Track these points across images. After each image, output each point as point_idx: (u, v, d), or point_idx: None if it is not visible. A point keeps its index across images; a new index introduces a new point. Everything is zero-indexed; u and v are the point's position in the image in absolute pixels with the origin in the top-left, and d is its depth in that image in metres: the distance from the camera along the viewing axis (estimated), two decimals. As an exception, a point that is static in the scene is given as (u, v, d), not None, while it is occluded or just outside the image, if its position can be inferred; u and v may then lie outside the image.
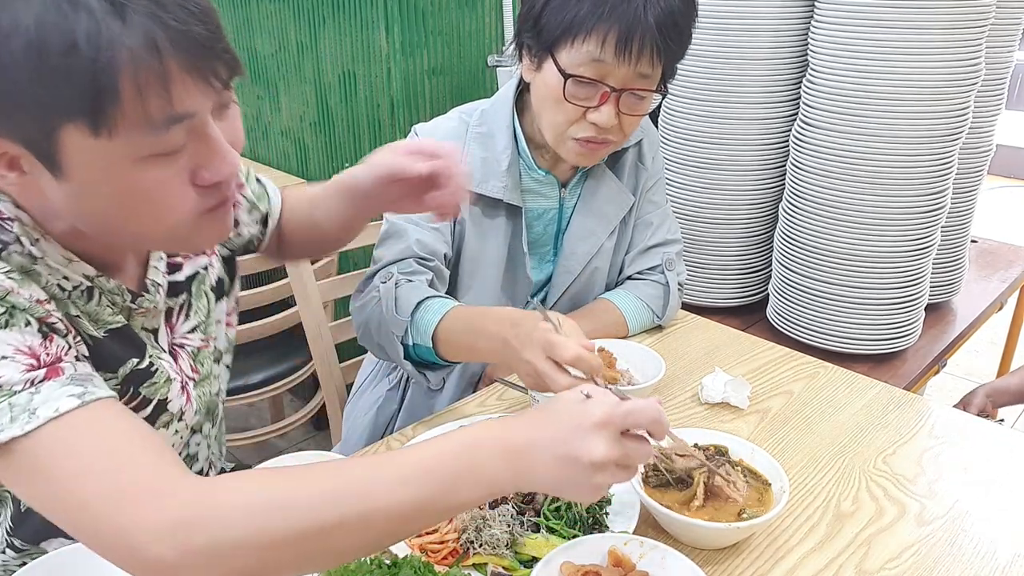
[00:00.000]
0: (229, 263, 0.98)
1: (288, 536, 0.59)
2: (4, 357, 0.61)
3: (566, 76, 1.09)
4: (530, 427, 0.66)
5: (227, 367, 0.98)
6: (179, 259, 0.87)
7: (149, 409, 0.79)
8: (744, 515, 0.86)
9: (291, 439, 2.52)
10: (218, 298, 0.94)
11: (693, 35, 1.12)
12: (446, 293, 1.22)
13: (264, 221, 1.05)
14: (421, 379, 1.14)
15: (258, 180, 1.05)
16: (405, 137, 2.06)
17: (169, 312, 0.85)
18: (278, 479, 0.64)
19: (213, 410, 0.95)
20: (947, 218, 1.62)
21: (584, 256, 1.32)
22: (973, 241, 2.09)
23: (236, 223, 0.99)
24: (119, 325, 0.75)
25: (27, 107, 0.58)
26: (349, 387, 1.52)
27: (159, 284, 0.82)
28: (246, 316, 1.70)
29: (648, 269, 1.37)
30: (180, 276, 0.87)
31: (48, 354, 0.63)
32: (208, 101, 0.64)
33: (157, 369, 0.79)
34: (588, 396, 0.67)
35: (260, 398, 2.04)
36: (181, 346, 0.86)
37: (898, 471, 1.00)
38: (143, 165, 0.62)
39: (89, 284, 0.73)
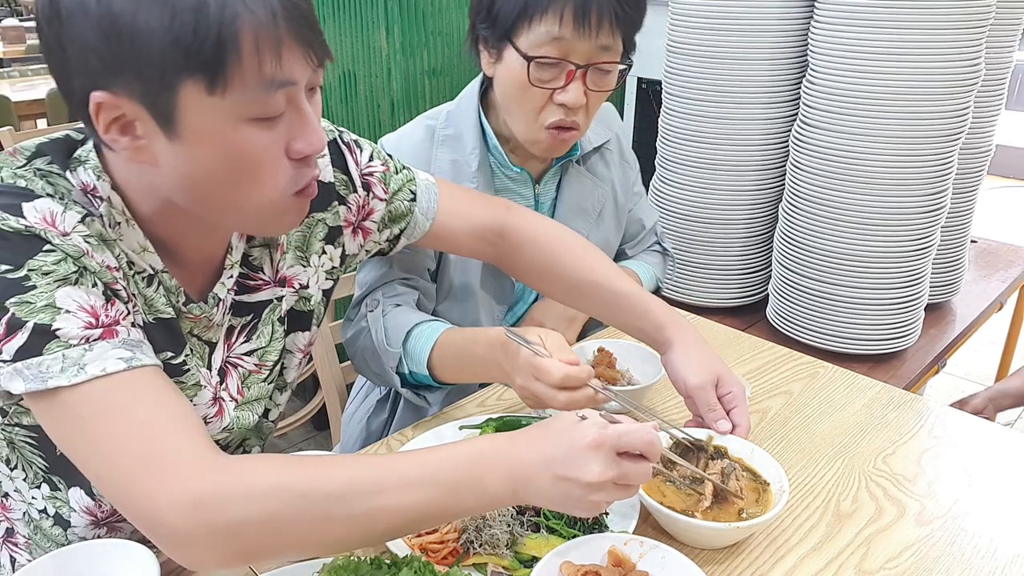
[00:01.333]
0: (328, 295, 0.98)
1: (300, 523, 0.64)
2: (68, 311, 0.65)
3: (528, 59, 1.07)
4: (530, 445, 0.70)
5: (287, 398, 0.99)
6: (255, 283, 0.88)
7: None
8: (744, 515, 0.86)
9: (291, 439, 2.52)
10: (301, 329, 0.94)
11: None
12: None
13: (396, 239, 1.04)
14: (422, 402, 1.13)
15: (413, 197, 1.02)
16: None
17: (231, 330, 0.86)
18: (298, 467, 0.67)
19: (259, 434, 0.96)
20: (947, 218, 1.62)
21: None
22: (973, 241, 2.09)
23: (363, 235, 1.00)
24: (168, 316, 0.77)
25: (154, 60, 0.61)
26: (349, 387, 1.52)
27: (220, 298, 0.83)
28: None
29: (648, 246, 1.49)
30: (251, 298, 0.88)
31: (108, 316, 0.67)
32: (305, 74, 0.68)
33: (189, 370, 0.80)
34: (583, 418, 0.70)
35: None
36: (234, 365, 0.87)
37: (898, 471, 1.00)
38: (248, 127, 0.66)
39: (152, 273, 0.76)
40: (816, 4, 1.52)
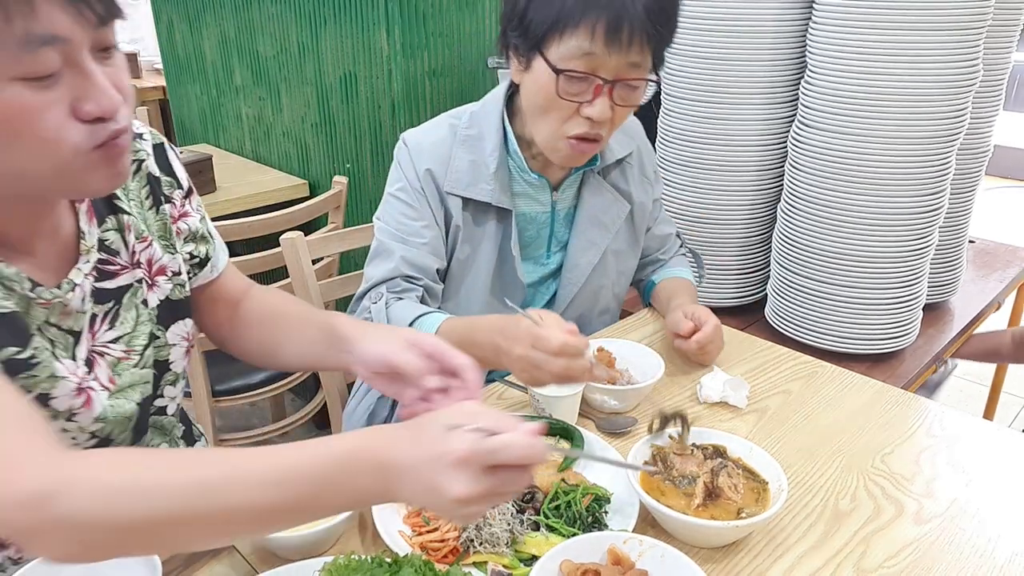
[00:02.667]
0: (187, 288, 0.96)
1: (144, 520, 0.60)
2: None
3: (557, 72, 1.07)
4: (405, 446, 0.65)
5: (184, 391, 0.98)
6: (114, 268, 0.86)
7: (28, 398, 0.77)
8: (743, 514, 0.87)
9: (292, 439, 2.53)
10: (181, 317, 0.93)
11: (679, 22, 1.12)
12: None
13: (202, 264, 0.99)
14: None
15: (210, 234, 1.01)
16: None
17: (94, 318, 0.84)
18: (147, 461, 0.64)
19: (140, 425, 0.90)
20: (945, 218, 1.63)
21: (587, 267, 1.32)
22: (971, 241, 2.10)
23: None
24: (7, 311, 0.73)
25: None
26: (350, 387, 1.52)
27: (77, 284, 0.80)
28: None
29: (675, 253, 1.53)
30: (111, 284, 0.85)
31: None
32: (83, 33, 0.64)
33: (39, 362, 0.76)
34: (453, 427, 0.64)
35: (261, 397, 2.05)
36: (101, 354, 0.84)
37: (896, 470, 1.01)
38: (14, 87, 0.62)
39: None
40: (815, 5, 1.52)
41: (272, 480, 0.63)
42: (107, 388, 0.84)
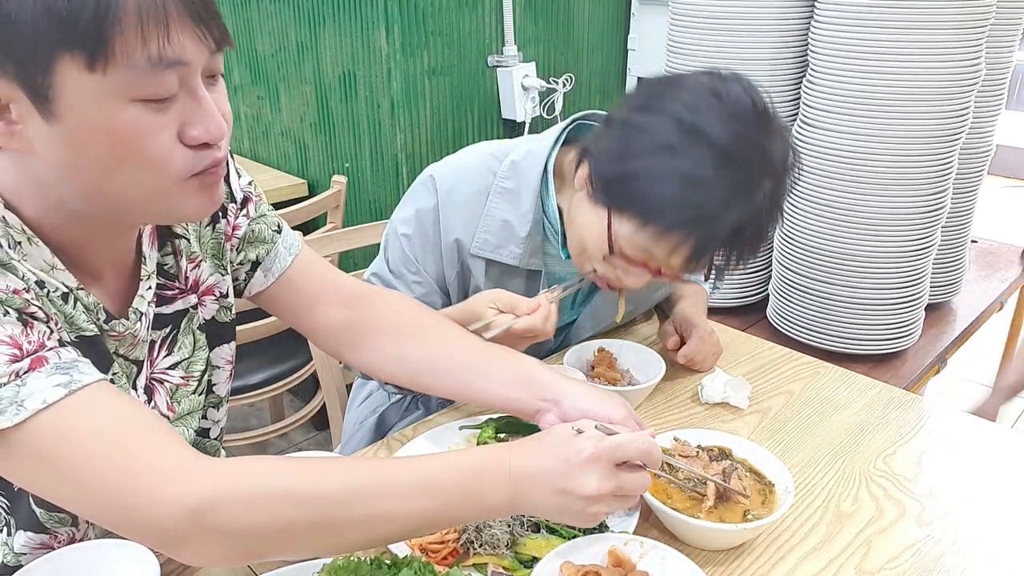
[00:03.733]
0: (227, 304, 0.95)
1: (299, 527, 0.64)
2: None
3: (612, 250, 1.00)
4: (530, 458, 0.71)
5: (225, 413, 0.97)
6: (172, 292, 0.85)
7: None
8: (749, 516, 0.86)
9: (291, 439, 2.52)
10: (225, 341, 0.92)
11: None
12: None
13: (252, 269, 0.96)
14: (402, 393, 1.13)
15: (278, 230, 0.97)
16: (405, 137, 2.08)
17: (152, 345, 0.83)
18: (298, 472, 0.66)
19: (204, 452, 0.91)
20: (947, 218, 1.62)
21: (605, 320, 1.30)
22: (973, 241, 2.09)
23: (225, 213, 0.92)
24: (91, 334, 0.72)
25: (27, 34, 0.57)
26: (349, 387, 1.52)
27: (142, 312, 0.79)
28: (247, 316, 1.69)
29: None
30: (168, 309, 0.84)
31: (30, 342, 0.62)
32: (201, 56, 0.64)
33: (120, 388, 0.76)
34: (579, 431, 0.71)
35: (260, 398, 2.04)
36: (160, 381, 0.84)
37: (898, 471, 1.00)
38: (134, 108, 0.62)
39: (66, 291, 0.71)
40: (816, 4, 1.52)
41: (418, 488, 0.68)
42: (167, 416, 0.84)
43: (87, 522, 0.83)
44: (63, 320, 0.70)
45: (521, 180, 1.13)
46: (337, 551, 0.70)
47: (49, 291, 0.69)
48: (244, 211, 0.92)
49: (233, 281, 0.95)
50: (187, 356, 0.87)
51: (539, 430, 0.88)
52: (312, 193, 2.40)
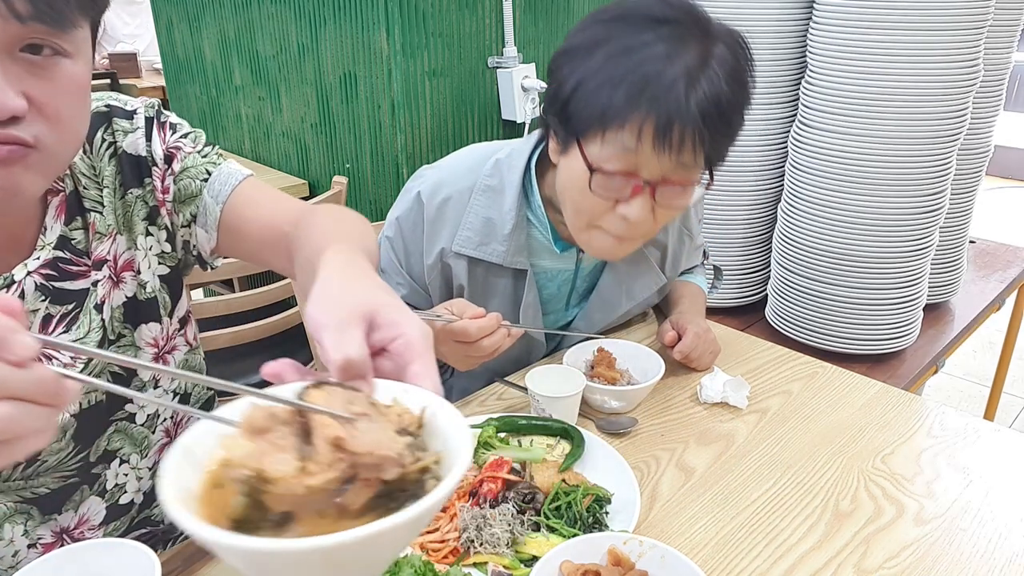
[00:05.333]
0: (171, 282, 0.91)
1: None
2: None
3: (592, 170, 0.97)
4: None
5: (175, 392, 0.93)
6: (78, 268, 0.81)
7: None
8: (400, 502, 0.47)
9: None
10: (146, 321, 0.88)
11: (745, 120, 1.01)
12: None
13: (190, 227, 0.91)
14: None
15: (207, 176, 0.90)
16: (405, 138, 2.08)
17: (48, 319, 0.80)
18: None
19: (85, 435, 0.84)
20: (945, 218, 1.63)
21: (600, 323, 1.30)
22: (971, 242, 2.10)
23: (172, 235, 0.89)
24: None
25: None
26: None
27: (16, 280, 0.77)
28: (246, 316, 1.70)
29: (696, 266, 1.46)
30: (72, 285, 0.81)
31: None
32: None
33: None
34: None
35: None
36: (48, 357, 0.79)
37: (896, 471, 1.01)
38: None
39: None
40: (815, 5, 1.52)
41: None
42: None
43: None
44: None
45: (504, 177, 1.13)
46: None
47: None
48: (169, 169, 0.88)
49: (187, 248, 0.92)
50: (81, 336, 0.82)
51: (536, 432, 0.88)
52: (313, 194, 2.40)
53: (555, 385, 1.06)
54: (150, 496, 0.94)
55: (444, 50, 2.03)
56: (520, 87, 2.15)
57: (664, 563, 0.77)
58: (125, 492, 0.91)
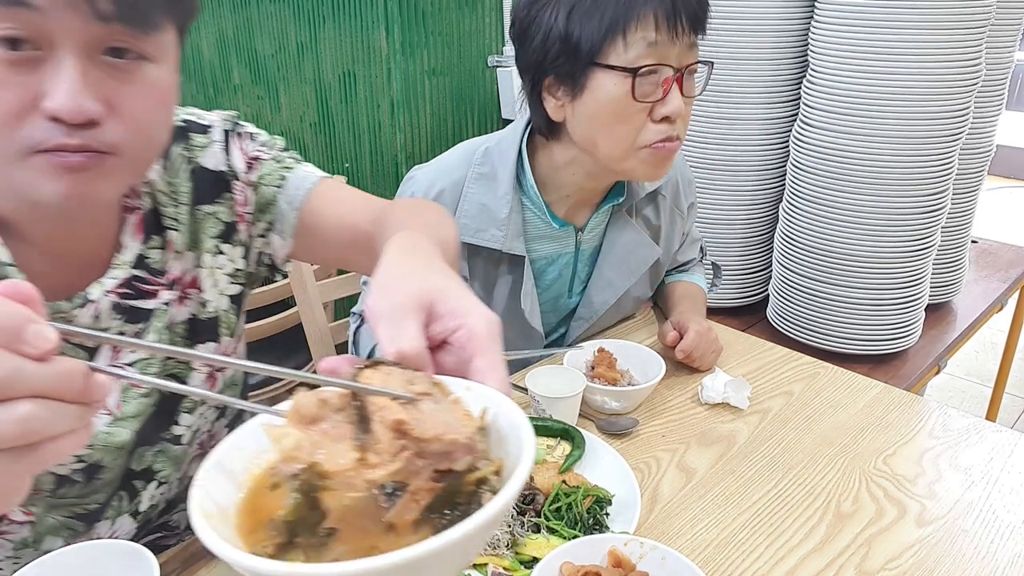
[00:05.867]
0: (239, 301, 0.89)
1: None
2: None
3: (635, 72, 1.00)
4: None
5: (204, 419, 0.89)
6: (153, 288, 0.80)
7: None
8: (444, 519, 0.41)
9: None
10: (206, 340, 0.85)
11: None
12: None
13: (266, 236, 0.90)
14: None
15: (281, 182, 0.88)
16: (404, 137, 2.07)
17: (121, 336, 0.77)
18: None
19: (138, 455, 0.82)
20: (947, 218, 1.62)
21: (601, 307, 1.30)
22: (973, 241, 2.09)
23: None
24: None
25: None
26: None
27: (91, 300, 0.74)
28: (246, 316, 1.70)
29: (695, 264, 1.48)
30: (147, 304, 0.79)
31: None
32: (69, 17, 0.57)
33: None
34: None
35: (260, 398, 2.04)
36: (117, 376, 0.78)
37: (898, 472, 1.00)
38: None
39: None
40: (816, 4, 1.52)
41: None
42: (111, 414, 0.79)
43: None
44: None
45: (496, 164, 1.15)
46: None
47: None
48: (249, 180, 0.87)
49: (260, 260, 0.90)
50: (146, 356, 0.80)
51: (537, 432, 0.87)
52: (312, 193, 2.40)
53: (555, 386, 1.06)
54: (173, 503, 0.91)
55: (444, 49, 2.03)
56: (520, 86, 2.15)
57: (665, 565, 0.76)
58: (156, 507, 0.88)
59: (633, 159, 1.08)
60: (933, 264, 1.65)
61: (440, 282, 0.51)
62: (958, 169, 1.56)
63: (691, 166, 1.72)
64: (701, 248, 1.49)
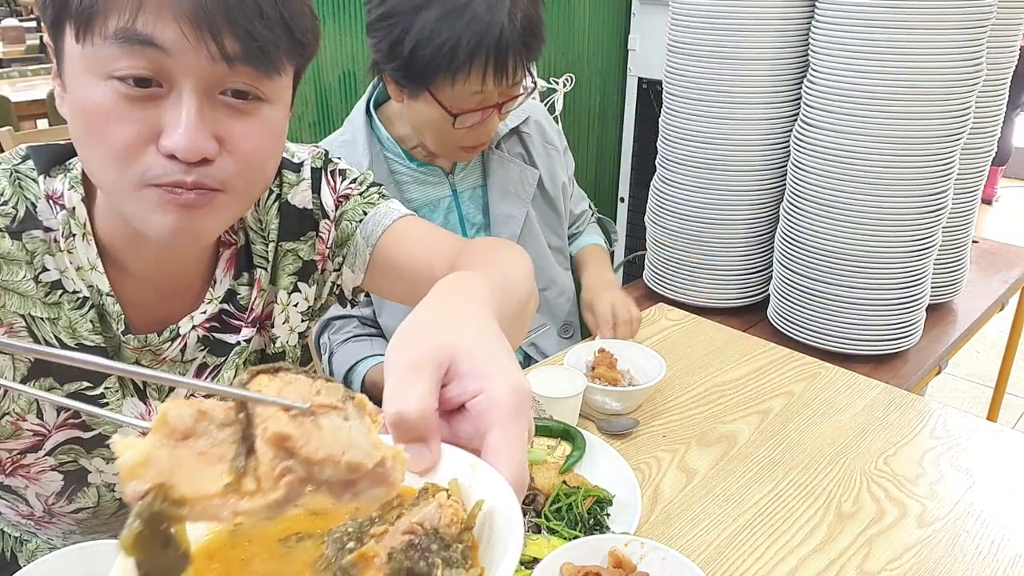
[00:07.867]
0: (304, 336, 0.90)
1: None
2: None
3: (455, 115, 1.14)
4: None
5: None
6: (238, 323, 0.80)
7: (89, 434, 0.75)
8: None
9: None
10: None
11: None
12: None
13: (340, 270, 0.89)
14: None
15: (362, 217, 0.87)
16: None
17: (203, 368, 0.80)
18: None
19: None
20: (948, 218, 1.62)
21: (511, 240, 1.31)
22: (974, 241, 2.09)
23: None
24: (92, 345, 0.71)
25: (54, 4, 0.60)
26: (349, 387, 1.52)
27: (181, 333, 0.76)
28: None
29: (588, 223, 1.66)
30: (232, 339, 0.80)
31: None
32: (194, 57, 0.59)
33: (107, 403, 0.74)
34: None
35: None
36: None
37: (899, 472, 1.00)
38: (107, 86, 0.59)
39: (87, 296, 0.70)
40: (817, 4, 1.52)
41: None
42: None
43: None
44: (54, 325, 0.70)
45: (352, 129, 1.30)
46: None
47: (63, 292, 0.69)
48: (336, 214, 0.87)
49: (331, 291, 0.90)
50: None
51: (537, 433, 0.87)
52: (313, 193, 2.40)
53: (556, 386, 1.06)
54: None
55: (445, 49, 2.03)
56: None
57: (665, 565, 0.76)
58: None
59: (451, 156, 1.26)
60: (934, 264, 1.65)
61: (468, 336, 0.44)
62: (959, 169, 1.55)
63: (692, 166, 1.72)
64: (590, 206, 1.65)
